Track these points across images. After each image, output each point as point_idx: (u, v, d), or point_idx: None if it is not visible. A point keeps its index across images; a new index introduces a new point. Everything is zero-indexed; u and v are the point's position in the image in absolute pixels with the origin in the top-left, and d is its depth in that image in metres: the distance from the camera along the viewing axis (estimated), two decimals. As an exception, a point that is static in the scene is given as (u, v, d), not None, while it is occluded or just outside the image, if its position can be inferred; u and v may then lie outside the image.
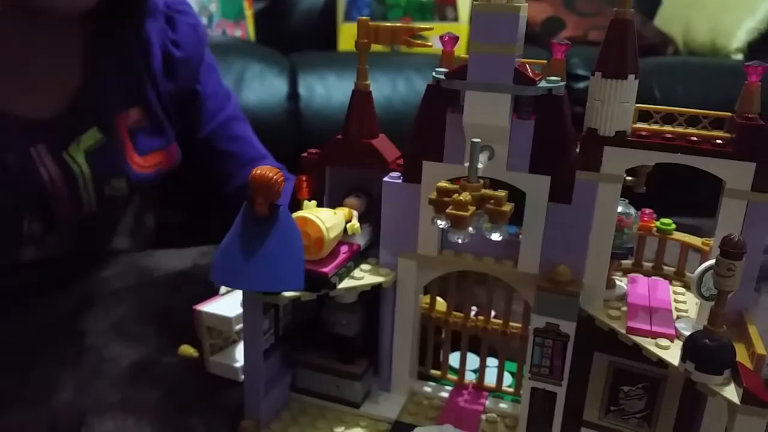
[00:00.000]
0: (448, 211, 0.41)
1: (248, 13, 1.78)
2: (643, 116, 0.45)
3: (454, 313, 0.55)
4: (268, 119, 1.44)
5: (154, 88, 0.77)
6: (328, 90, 1.49)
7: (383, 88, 1.51)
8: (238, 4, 1.77)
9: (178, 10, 0.80)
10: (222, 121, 0.87)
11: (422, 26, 0.48)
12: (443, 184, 0.43)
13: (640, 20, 1.96)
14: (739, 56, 1.78)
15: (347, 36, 1.78)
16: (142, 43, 0.75)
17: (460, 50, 0.48)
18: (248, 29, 1.79)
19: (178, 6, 0.80)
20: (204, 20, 1.72)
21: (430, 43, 0.48)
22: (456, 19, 1.77)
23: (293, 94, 1.48)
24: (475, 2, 0.43)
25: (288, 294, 0.46)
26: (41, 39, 0.66)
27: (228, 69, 1.45)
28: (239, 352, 0.57)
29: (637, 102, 0.44)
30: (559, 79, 0.44)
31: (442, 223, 0.43)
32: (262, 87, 1.45)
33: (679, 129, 0.44)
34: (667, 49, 1.94)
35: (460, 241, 0.42)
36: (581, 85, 1.53)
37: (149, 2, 0.74)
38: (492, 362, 0.56)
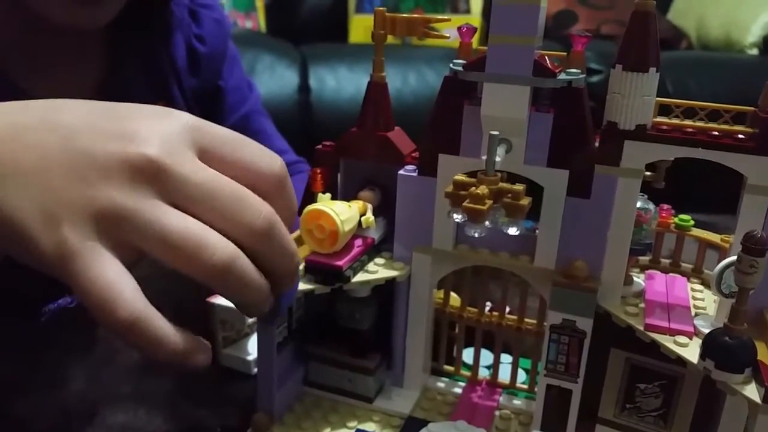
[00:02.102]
0: (464, 204, 0.41)
1: (259, 4, 1.78)
2: (664, 110, 0.44)
3: (468, 308, 0.55)
4: (279, 111, 1.43)
5: (178, 84, 0.76)
6: (339, 82, 1.49)
7: (394, 81, 1.51)
8: (249, -5, 1.76)
9: (203, 4, 0.79)
10: (242, 116, 0.86)
11: (439, 17, 0.47)
12: (460, 177, 0.43)
13: (654, 14, 1.95)
14: (754, 51, 1.77)
15: (358, 28, 1.78)
16: (166, 38, 0.74)
17: (473, 42, 0.48)
18: (259, 20, 1.79)
19: (202, 0, 0.79)
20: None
21: (447, 35, 0.48)
22: (468, 11, 1.76)
23: (304, 86, 1.48)
24: (494, -7, 0.42)
25: (301, 287, 0.46)
26: (62, 33, 0.66)
27: (239, 60, 1.45)
28: (252, 345, 0.57)
29: (650, 97, 0.43)
30: (579, 71, 0.43)
31: (458, 217, 0.42)
32: (272, 79, 1.45)
33: (701, 123, 0.43)
34: (681, 44, 1.92)
35: (476, 235, 0.42)
36: (594, 79, 1.52)
37: (174, 13, 0.73)
38: (506, 359, 0.55)
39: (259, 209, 0.33)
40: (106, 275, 0.30)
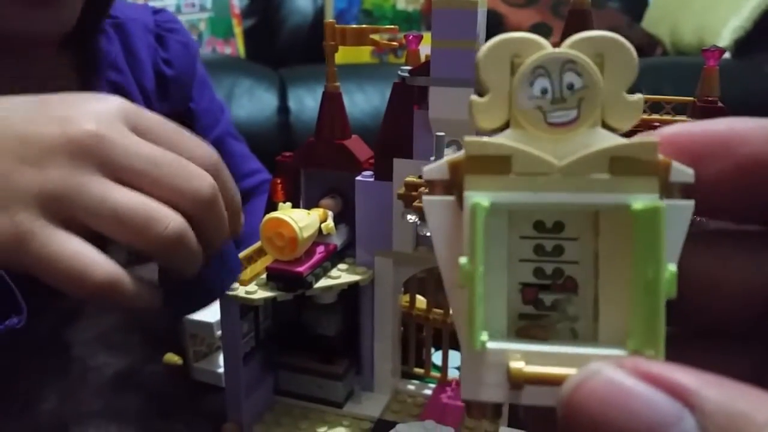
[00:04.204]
0: (415, 204, 0.42)
1: (237, 30, 1.80)
2: (607, 105, 0.46)
3: (434, 310, 0.55)
4: (259, 132, 1.45)
5: (149, 108, 0.77)
6: (317, 102, 1.50)
7: (373, 99, 1.53)
8: (227, 22, 1.79)
9: (169, 29, 0.80)
10: (215, 138, 0.86)
11: (387, 27, 0.49)
12: (411, 178, 0.44)
13: (627, 22, 1.97)
14: (726, 55, 1.80)
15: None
16: (134, 64, 0.75)
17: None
18: (238, 46, 1.81)
19: (168, 24, 0.80)
20: (194, 39, 1.74)
21: (396, 44, 0.49)
22: (443, 28, 1.79)
23: (283, 108, 1.49)
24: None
25: (263, 294, 0.47)
26: (33, 71, 0.66)
27: (218, 85, 1.46)
28: (222, 358, 0.58)
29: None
30: (521, 71, 0.45)
31: (411, 218, 0.43)
32: (251, 102, 1.47)
33: (643, 116, 0.44)
34: (656, 50, 1.95)
35: (429, 234, 0.43)
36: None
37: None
38: (474, 358, 0.56)
39: (204, 177, 0.34)
40: (69, 246, 0.31)
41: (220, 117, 0.88)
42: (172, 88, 0.79)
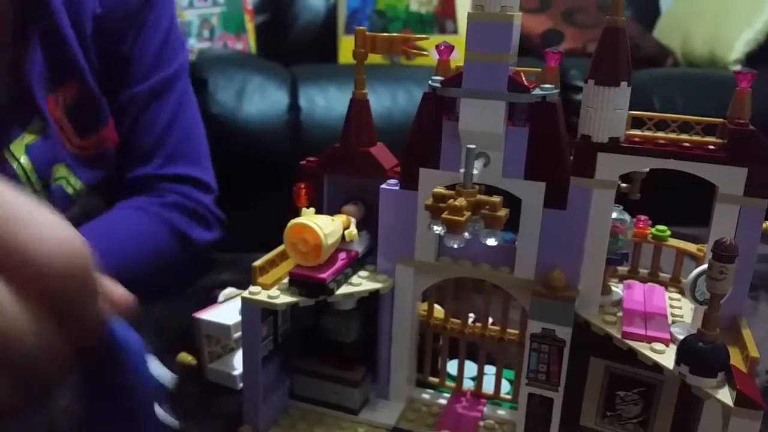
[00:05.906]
0: (443, 216, 0.41)
1: (249, 26, 1.80)
2: (637, 123, 0.46)
3: (452, 320, 0.55)
4: (269, 131, 1.45)
5: (86, 54, 0.71)
6: (328, 102, 1.50)
7: (383, 100, 1.53)
8: (239, 17, 1.78)
9: None
10: (133, 95, 0.76)
11: (418, 36, 0.49)
12: (439, 190, 0.43)
13: (639, 32, 1.97)
14: (738, 67, 1.79)
15: (348, 48, 1.79)
16: (72, 7, 0.69)
17: (459, 61, 0.49)
18: (249, 42, 1.80)
19: None
20: (205, 33, 1.74)
21: (426, 52, 0.49)
22: (455, 31, 1.78)
23: (294, 106, 1.49)
24: (470, 12, 0.43)
25: (285, 300, 0.47)
26: None
27: (229, 81, 1.46)
28: (237, 360, 0.58)
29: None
30: (553, 86, 0.45)
31: (438, 229, 0.43)
32: (262, 99, 1.46)
33: (672, 135, 0.44)
34: (667, 61, 1.95)
35: (456, 246, 0.43)
36: (580, 96, 1.54)
37: None
38: (490, 370, 0.56)
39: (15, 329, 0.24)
40: None
41: (152, 73, 0.78)
42: (103, 27, 0.72)
